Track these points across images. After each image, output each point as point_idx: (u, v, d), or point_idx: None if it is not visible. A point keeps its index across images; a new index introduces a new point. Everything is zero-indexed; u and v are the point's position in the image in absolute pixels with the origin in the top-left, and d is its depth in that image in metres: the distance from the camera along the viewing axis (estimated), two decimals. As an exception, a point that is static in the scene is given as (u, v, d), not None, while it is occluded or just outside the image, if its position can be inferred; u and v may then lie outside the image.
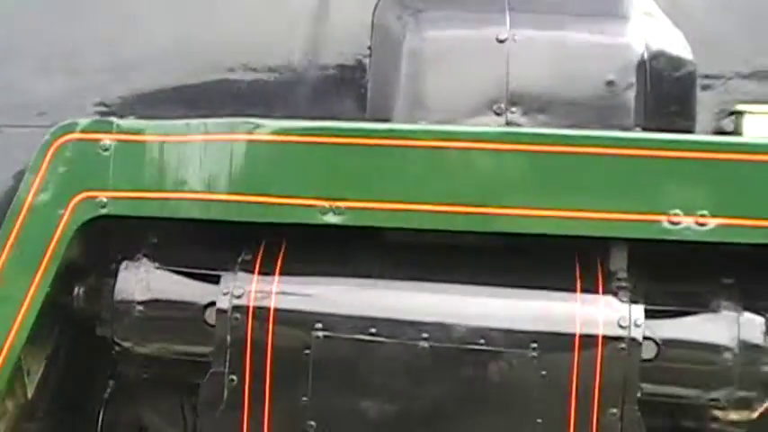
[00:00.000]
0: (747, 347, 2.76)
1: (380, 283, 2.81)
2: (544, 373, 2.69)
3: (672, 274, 2.86)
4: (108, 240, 3.04)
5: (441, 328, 2.72)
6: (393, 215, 2.69)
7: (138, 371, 3.06)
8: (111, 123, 2.84)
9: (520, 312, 2.74)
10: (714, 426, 2.86)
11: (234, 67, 3.14)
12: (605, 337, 2.69)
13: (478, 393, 2.73)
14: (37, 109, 3.09)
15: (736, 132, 2.89)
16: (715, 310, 2.80)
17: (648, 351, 2.76)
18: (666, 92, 2.99)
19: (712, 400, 2.79)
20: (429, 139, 2.67)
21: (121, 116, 2.99)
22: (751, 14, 3.06)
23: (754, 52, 3.03)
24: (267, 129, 2.72)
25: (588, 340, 2.69)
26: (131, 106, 3.10)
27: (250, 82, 3.14)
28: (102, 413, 3.39)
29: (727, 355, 2.75)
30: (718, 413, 2.82)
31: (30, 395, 3.16)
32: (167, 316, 2.93)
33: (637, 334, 2.70)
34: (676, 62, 2.99)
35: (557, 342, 2.70)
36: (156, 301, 2.93)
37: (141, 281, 2.93)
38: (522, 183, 2.66)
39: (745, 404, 2.79)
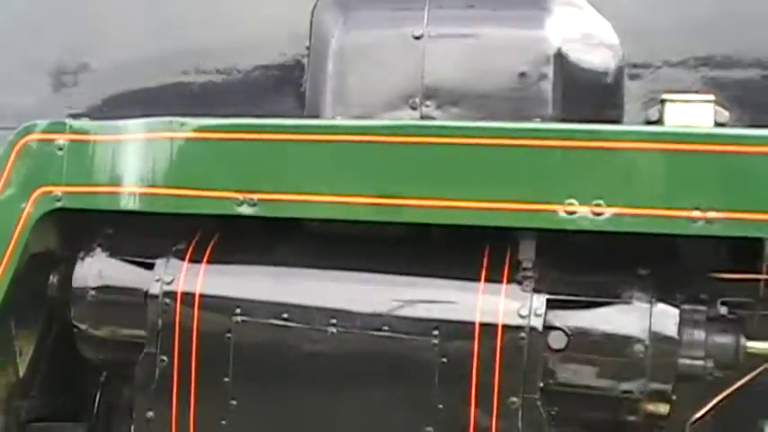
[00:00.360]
0: (659, 339, 2.71)
1: (294, 271, 2.95)
2: (445, 360, 2.75)
3: (587, 264, 2.85)
4: (79, 232, 3.32)
5: (347, 315, 2.83)
6: (301, 206, 2.82)
7: (97, 353, 3.31)
8: (64, 124, 3.12)
9: (423, 300, 2.81)
10: (633, 419, 2.81)
11: (187, 71, 3.36)
12: (505, 326, 2.72)
13: (382, 378, 2.81)
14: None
15: (661, 121, 2.84)
16: (627, 301, 2.77)
17: (558, 341, 2.76)
18: (591, 82, 2.97)
19: (626, 392, 2.75)
20: (334, 134, 2.79)
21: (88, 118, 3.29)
22: (679, 3, 2.99)
23: (682, 40, 2.95)
24: (190, 126, 2.92)
25: (488, 329, 2.72)
26: (99, 109, 3.39)
27: (201, 84, 3.36)
28: (99, 395, 3.68)
29: (639, 346, 2.71)
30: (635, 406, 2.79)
31: (21, 374, 3.49)
32: (116, 301, 3.18)
33: (537, 323, 2.71)
34: (602, 52, 2.97)
35: (457, 330, 2.75)
36: (107, 287, 3.18)
37: (94, 269, 3.20)
38: (423, 174, 2.72)
39: (660, 397, 2.74)
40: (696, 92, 2.87)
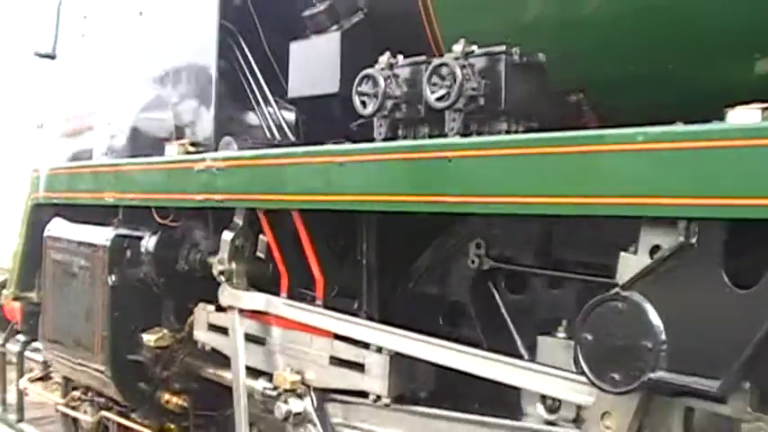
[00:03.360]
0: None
1: (77, 225, 6.89)
2: (102, 262, 6.48)
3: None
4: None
5: (78, 243, 6.69)
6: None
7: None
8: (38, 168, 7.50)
9: (98, 236, 6.53)
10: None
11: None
12: (104, 246, 6.33)
13: (88, 269, 6.57)
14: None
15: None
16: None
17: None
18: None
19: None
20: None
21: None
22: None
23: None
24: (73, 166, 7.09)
25: (102, 246, 6.36)
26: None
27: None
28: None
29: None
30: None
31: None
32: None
33: (107, 244, 6.28)
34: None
35: (97, 247, 6.44)
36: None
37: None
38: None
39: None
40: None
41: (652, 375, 2.96)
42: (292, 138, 5.74)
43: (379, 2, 5.07)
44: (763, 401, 2.99)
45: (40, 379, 8.33)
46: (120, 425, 6.83)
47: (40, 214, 7.48)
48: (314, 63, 5.14)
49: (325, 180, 4.23)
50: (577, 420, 3.53)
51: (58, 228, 6.95)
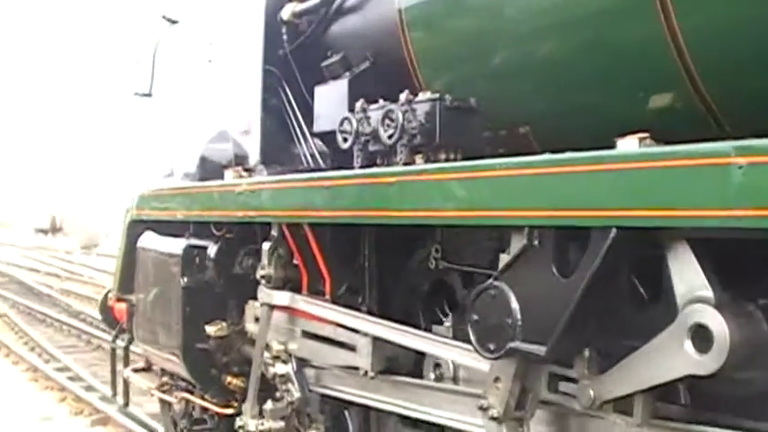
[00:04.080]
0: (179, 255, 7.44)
1: (154, 234, 8.30)
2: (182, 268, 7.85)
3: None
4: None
5: (160, 252, 8.09)
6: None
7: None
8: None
9: (173, 245, 7.91)
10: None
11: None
12: (178, 255, 7.70)
13: (170, 274, 7.97)
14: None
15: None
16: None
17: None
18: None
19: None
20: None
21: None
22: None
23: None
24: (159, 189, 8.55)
25: (177, 255, 7.72)
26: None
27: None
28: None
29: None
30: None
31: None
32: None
33: (180, 252, 7.64)
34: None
35: (174, 256, 7.81)
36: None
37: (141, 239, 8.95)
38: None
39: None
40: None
41: (511, 345, 3.96)
42: (323, 165, 6.93)
43: (380, 53, 6.23)
44: (600, 366, 3.96)
45: (143, 369, 9.77)
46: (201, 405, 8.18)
47: (135, 228, 8.90)
48: (330, 104, 6.35)
49: (319, 200, 5.39)
50: (455, 378, 4.59)
51: (146, 240, 8.36)
